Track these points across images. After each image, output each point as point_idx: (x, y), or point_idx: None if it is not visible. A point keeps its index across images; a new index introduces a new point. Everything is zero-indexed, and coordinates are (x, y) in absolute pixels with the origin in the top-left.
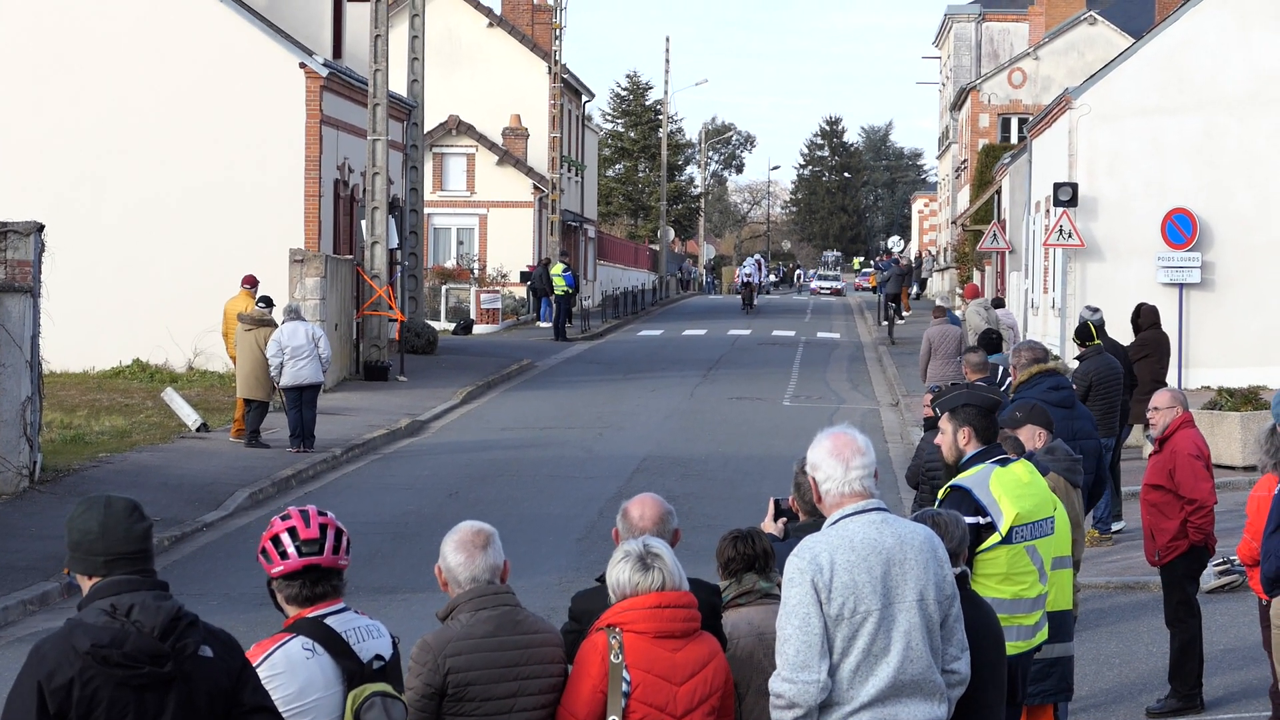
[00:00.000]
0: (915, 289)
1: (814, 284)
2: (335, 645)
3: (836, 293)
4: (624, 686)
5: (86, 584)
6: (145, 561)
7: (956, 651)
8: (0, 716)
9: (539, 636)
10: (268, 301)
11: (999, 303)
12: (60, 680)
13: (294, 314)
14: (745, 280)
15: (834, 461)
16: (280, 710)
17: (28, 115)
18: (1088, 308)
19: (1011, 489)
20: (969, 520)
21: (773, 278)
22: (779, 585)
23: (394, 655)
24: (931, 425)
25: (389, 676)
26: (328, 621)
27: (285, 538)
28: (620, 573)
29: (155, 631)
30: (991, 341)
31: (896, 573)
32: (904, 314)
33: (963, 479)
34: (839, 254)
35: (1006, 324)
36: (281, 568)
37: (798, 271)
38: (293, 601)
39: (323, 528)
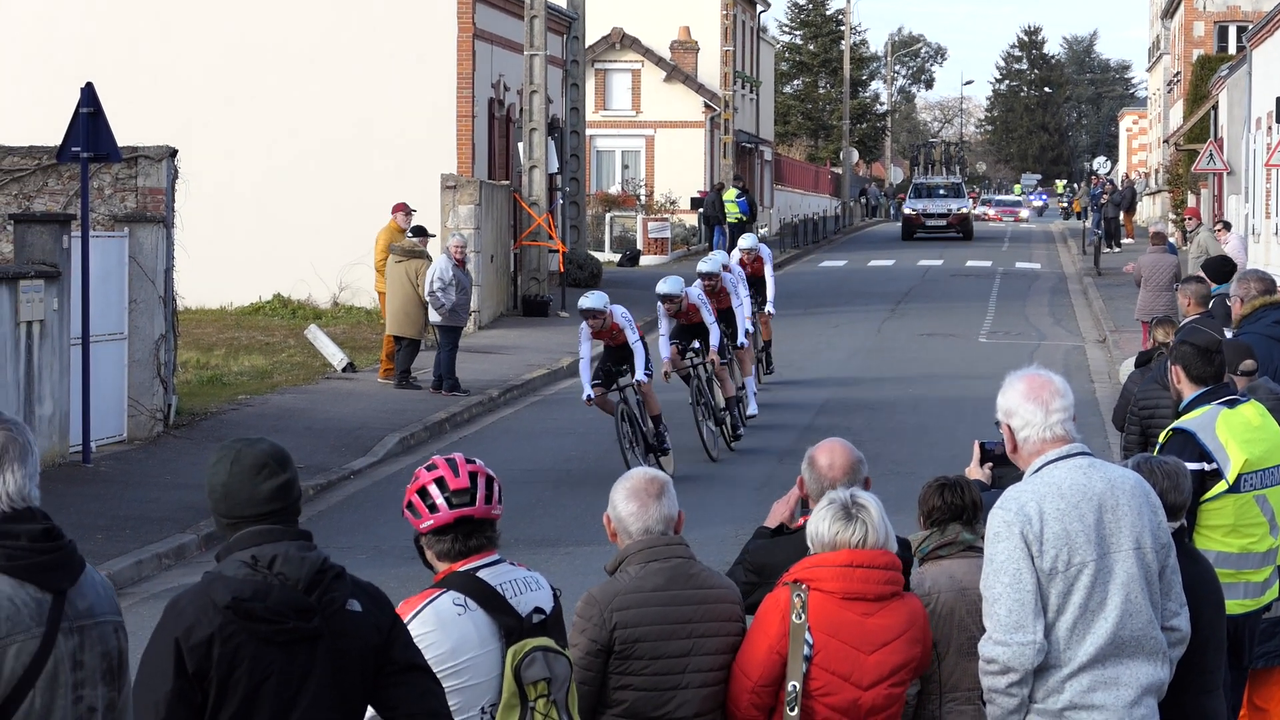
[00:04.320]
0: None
1: (911, 208)
2: (490, 599)
3: (958, 221)
4: (805, 650)
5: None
6: (280, 517)
7: (1176, 606)
8: (136, 677)
9: (715, 591)
10: (421, 232)
11: (1226, 225)
12: (199, 636)
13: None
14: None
15: (1032, 405)
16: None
17: (158, 32)
18: None
19: (1240, 432)
20: (1192, 467)
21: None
22: (983, 537)
23: (555, 608)
24: (1143, 362)
25: (550, 630)
26: (480, 575)
27: (433, 489)
28: (820, 521)
29: (300, 584)
30: (1225, 270)
31: (1110, 519)
32: (1122, 242)
33: (1186, 421)
34: (1038, 177)
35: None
36: (431, 522)
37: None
38: (444, 557)
39: (472, 476)
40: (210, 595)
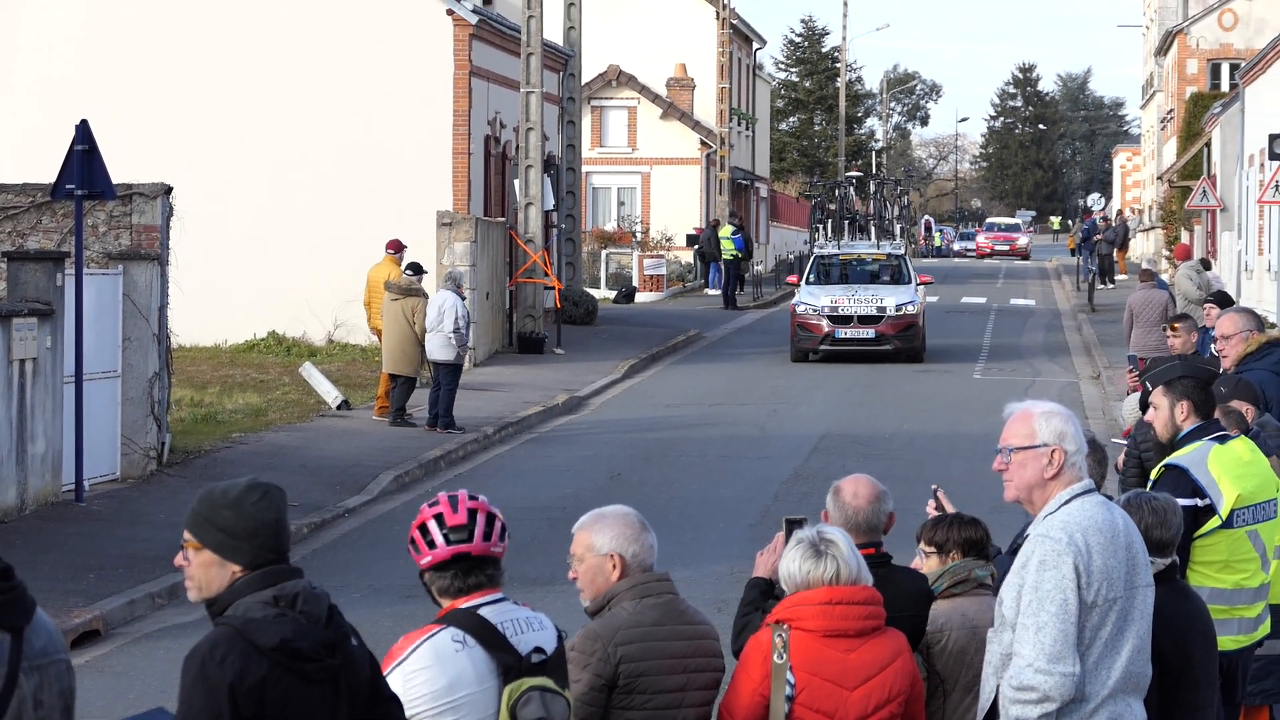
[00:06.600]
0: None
1: (808, 303)
2: (489, 637)
3: (899, 329)
4: (788, 690)
5: (226, 573)
6: (286, 557)
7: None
8: None
9: (702, 628)
10: (416, 268)
11: (1206, 264)
12: (252, 681)
13: (449, 282)
14: None
15: (1082, 435)
16: (428, 706)
17: (154, 69)
18: None
19: (1232, 468)
20: (1185, 503)
21: None
22: (992, 575)
23: (558, 649)
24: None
25: (550, 671)
26: (482, 612)
27: (432, 526)
28: (790, 561)
29: (321, 621)
30: (1227, 303)
31: (1130, 557)
32: (1115, 278)
33: (1179, 457)
34: (1033, 213)
35: (1216, 287)
36: (429, 558)
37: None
38: (445, 594)
39: (471, 513)
40: (250, 639)
